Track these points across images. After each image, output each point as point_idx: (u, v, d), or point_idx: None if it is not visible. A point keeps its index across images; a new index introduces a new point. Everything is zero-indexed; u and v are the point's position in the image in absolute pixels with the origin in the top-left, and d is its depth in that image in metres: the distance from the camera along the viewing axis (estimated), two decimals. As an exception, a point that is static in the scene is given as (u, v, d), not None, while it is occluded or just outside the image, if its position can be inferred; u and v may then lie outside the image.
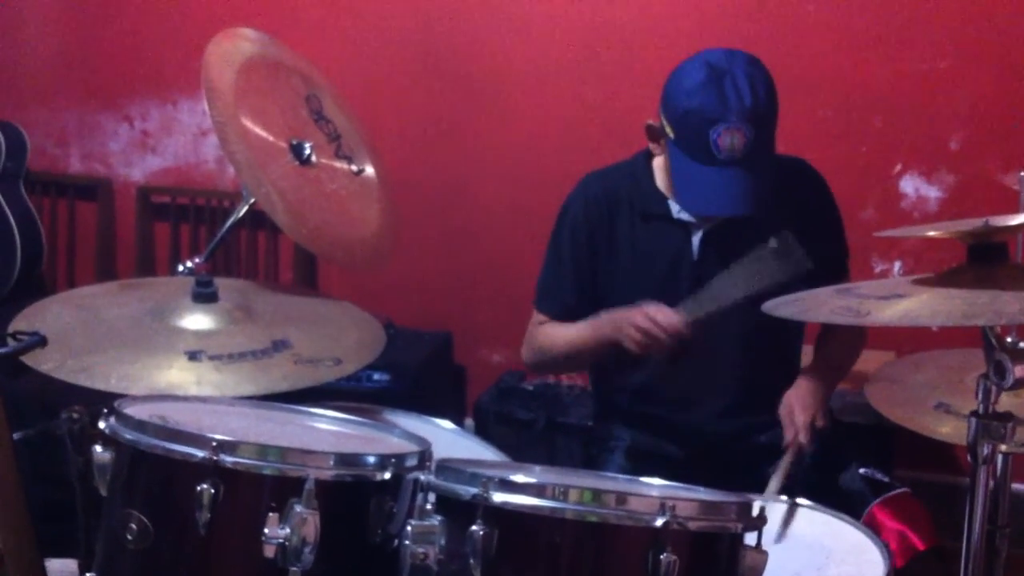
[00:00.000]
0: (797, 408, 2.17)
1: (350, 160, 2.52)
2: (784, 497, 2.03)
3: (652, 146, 2.29)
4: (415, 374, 3.25)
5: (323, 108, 2.54)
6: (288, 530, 1.50)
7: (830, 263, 2.31)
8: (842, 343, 2.39)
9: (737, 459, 2.29)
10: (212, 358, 2.02)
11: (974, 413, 1.58)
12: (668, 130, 2.19)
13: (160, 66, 3.84)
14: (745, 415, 2.34)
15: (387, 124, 3.45)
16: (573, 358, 2.40)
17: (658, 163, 2.30)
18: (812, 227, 2.32)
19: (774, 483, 2.05)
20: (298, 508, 1.51)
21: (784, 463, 2.11)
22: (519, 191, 3.55)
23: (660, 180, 2.30)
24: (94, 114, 3.94)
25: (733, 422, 2.34)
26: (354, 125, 2.62)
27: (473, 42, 3.56)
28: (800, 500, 2.03)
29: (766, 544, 1.59)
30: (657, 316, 2.13)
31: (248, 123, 2.33)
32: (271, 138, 2.38)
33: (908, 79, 3.26)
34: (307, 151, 2.42)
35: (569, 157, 3.36)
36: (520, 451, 2.69)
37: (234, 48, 2.43)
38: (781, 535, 1.95)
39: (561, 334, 2.36)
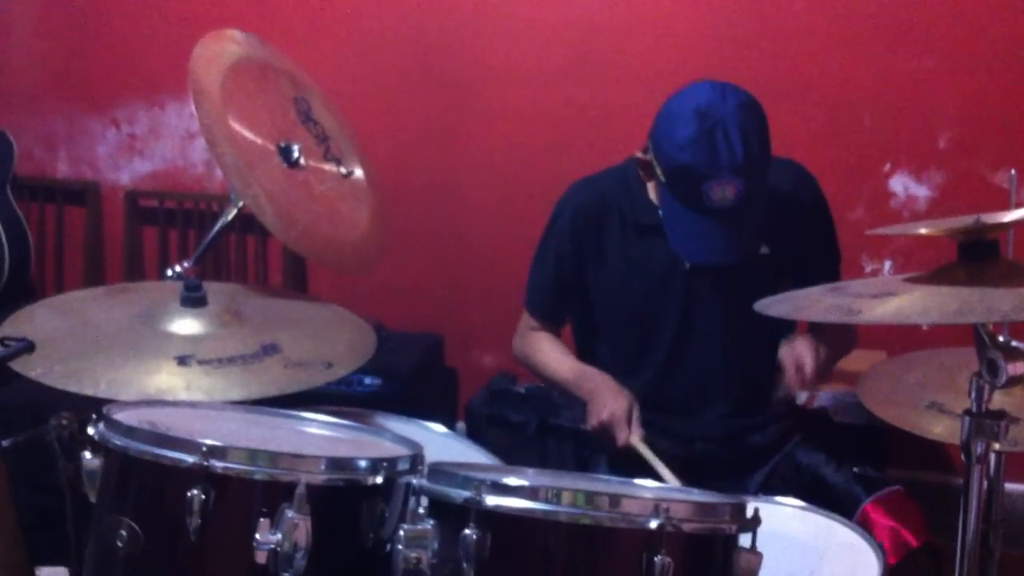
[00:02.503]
0: (800, 347, 2.17)
1: (339, 162, 2.51)
2: (784, 499, 2.02)
3: (642, 174, 2.27)
4: (406, 377, 3.24)
5: (311, 110, 2.53)
6: (279, 535, 1.50)
7: (823, 267, 2.31)
8: (832, 336, 2.39)
9: (731, 461, 2.28)
10: (202, 363, 2.00)
11: (967, 412, 1.58)
12: (659, 173, 2.17)
13: (147, 69, 3.83)
14: (739, 418, 2.34)
15: (376, 126, 3.44)
16: (551, 384, 2.49)
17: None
18: (805, 231, 2.32)
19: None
20: (289, 513, 1.50)
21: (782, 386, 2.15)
22: (509, 192, 3.55)
23: (651, 191, 2.29)
24: (81, 118, 3.93)
25: (727, 425, 2.34)
26: (343, 127, 2.61)
27: (463, 44, 3.55)
28: (793, 500, 2.03)
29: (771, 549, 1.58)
30: (617, 431, 2.20)
31: (236, 125, 2.32)
32: (259, 140, 2.36)
33: (897, 78, 3.26)
34: (295, 153, 2.41)
35: (558, 159, 3.36)
36: (512, 454, 2.68)
37: (221, 50, 2.42)
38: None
39: (548, 359, 2.43)
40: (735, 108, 2.10)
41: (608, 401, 2.23)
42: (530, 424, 3.14)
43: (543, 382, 2.51)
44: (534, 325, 2.46)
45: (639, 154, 2.24)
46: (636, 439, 2.20)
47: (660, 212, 2.23)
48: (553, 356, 2.42)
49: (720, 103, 2.10)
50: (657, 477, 2.12)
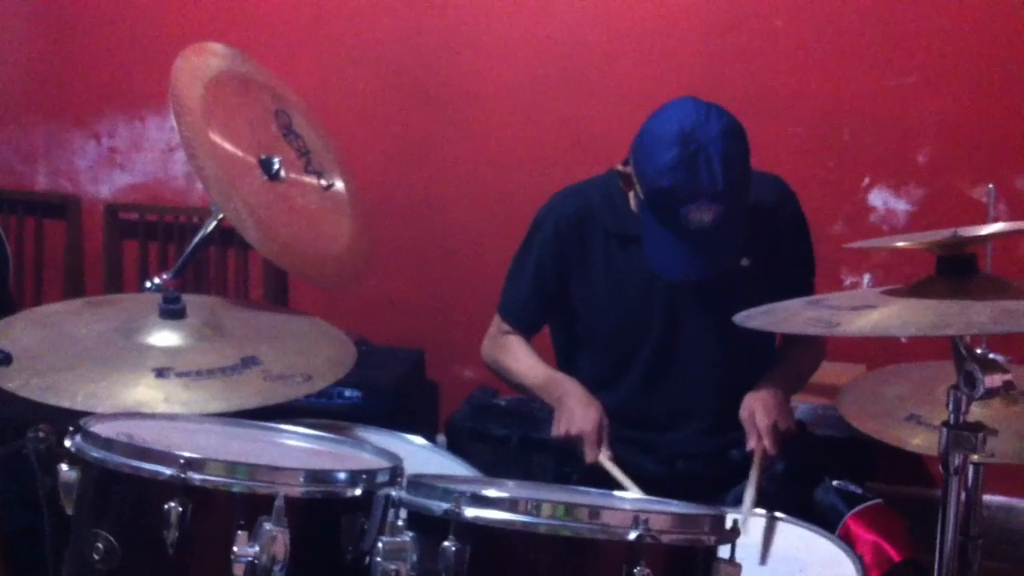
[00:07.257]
0: (759, 412, 2.17)
1: (320, 175, 2.51)
2: (762, 511, 2.02)
3: (623, 184, 2.28)
4: (388, 391, 3.23)
5: (292, 123, 2.52)
6: (257, 548, 1.49)
7: (800, 281, 2.32)
8: (802, 352, 2.40)
9: (712, 476, 2.28)
10: (180, 375, 2.00)
11: (945, 424, 1.59)
12: (639, 191, 2.18)
13: (128, 82, 3.82)
14: (720, 433, 2.34)
15: (360, 141, 3.44)
16: (520, 389, 2.46)
17: None
18: (785, 245, 2.34)
19: (748, 495, 2.05)
20: (268, 526, 1.49)
21: (753, 472, 2.10)
22: (492, 207, 3.55)
23: (633, 201, 2.30)
24: (61, 131, 3.91)
25: (709, 441, 2.33)
26: (324, 141, 2.61)
27: (446, 59, 3.56)
28: (774, 513, 2.02)
29: (751, 562, 1.58)
30: (585, 447, 2.18)
31: (216, 138, 2.32)
32: (240, 153, 2.36)
33: (876, 94, 3.28)
34: (276, 166, 2.40)
35: (542, 174, 3.36)
36: (494, 468, 2.66)
37: (202, 63, 2.42)
38: (764, 554, 1.94)
39: (519, 364, 2.41)
40: (718, 134, 2.11)
41: (577, 414, 2.21)
42: (512, 438, 3.13)
43: (511, 386, 2.49)
44: (506, 329, 2.45)
45: (619, 167, 2.25)
46: (604, 457, 2.16)
47: (640, 232, 2.24)
48: (524, 361, 2.41)
49: (704, 126, 2.10)
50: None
